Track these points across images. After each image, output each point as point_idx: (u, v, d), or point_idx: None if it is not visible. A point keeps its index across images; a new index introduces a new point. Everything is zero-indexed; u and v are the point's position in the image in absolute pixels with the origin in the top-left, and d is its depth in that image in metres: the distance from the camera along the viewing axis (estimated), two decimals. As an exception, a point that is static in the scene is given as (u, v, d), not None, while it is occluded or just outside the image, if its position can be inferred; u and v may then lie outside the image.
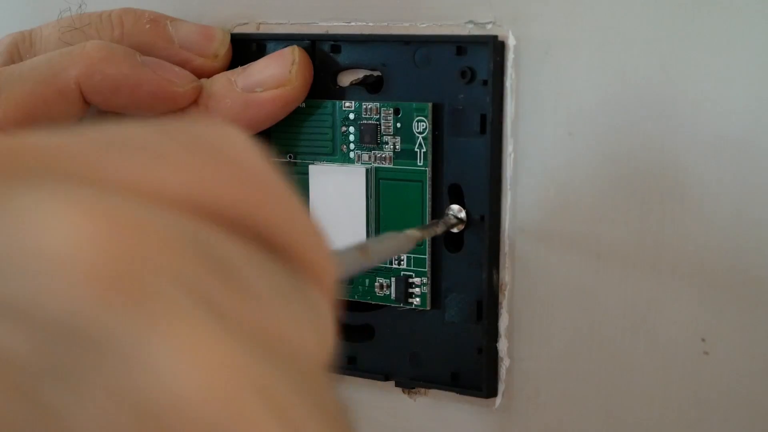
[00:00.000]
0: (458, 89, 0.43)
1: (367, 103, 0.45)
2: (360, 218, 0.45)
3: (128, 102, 0.43)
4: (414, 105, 0.44)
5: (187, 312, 0.15)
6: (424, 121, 0.44)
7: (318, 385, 0.17)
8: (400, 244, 0.40)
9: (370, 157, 0.45)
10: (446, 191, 0.44)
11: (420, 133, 0.44)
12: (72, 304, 0.15)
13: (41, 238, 0.15)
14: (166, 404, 0.15)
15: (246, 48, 0.47)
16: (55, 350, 0.14)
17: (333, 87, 0.46)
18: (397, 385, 0.46)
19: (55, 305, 0.15)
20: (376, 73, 0.45)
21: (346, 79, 0.46)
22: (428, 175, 0.44)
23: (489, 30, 0.43)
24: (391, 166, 0.45)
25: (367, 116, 0.45)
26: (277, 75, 0.44)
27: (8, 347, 0.14)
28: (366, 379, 0.47)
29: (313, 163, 0.46)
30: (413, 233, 0.41)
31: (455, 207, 0.44)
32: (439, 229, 0.43)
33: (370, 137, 0.45)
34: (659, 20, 0.40)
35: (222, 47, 0.46)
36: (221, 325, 0.16)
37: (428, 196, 0.44)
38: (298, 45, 0.46)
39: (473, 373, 0.44)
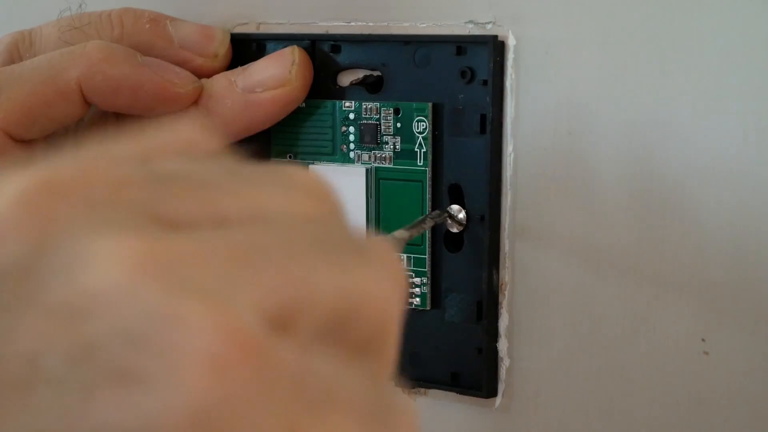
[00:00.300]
0: (458, 89, 0.43)
1: (367, 103, 0.45)
2: (360, 218, 0.45)
3: (129, 102, 0.43)
4: (414, 105, 0.44)
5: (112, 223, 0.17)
6: (424, 121, 0.44)
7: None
8: None
9: (370, 157, 0.45)
10: (446, 191, 0.44)
11: (420, 133, 0.44)
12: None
13: None
14: (83, 301, 0.16)
15: (246, 48, 0.47)
16: None
17: (333, 87, 0.46)
18: (397, 385, 0.46)
19: None
20: (376, 73, 0.45)
21: (346, 79, 0.46)
22: (428, 175, 0.44)
23: (489, 30, 0.43)
24: (391, 166, 0.45)
25: (367, 116, 0.45)
26: (277, 75, 0.44)
27: None
28: (366, 379, 0.47)
29: (313, 163, 0.46)
30: (401, 234, 0.41)
31: (455, 207, 0.44)
32: (427, 225, 0.43)
33: (370, 137, 0.45)
34: (659, 20, 0.40)
35: (222, 47, 0.46)
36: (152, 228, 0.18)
37: (428, 196, 0.44)
38: (298, 45, 0.46)
39: (473, 373, 0.44)
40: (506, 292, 0.44)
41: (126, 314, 0.16)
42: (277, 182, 0.21)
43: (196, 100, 0.44)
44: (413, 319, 0.45)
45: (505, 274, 0.44)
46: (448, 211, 0.44)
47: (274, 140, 0.47)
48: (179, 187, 0.19)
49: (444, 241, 0.44)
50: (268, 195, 0.20)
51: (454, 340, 0.45)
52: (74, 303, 0.16)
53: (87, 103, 0.43)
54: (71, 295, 0.16)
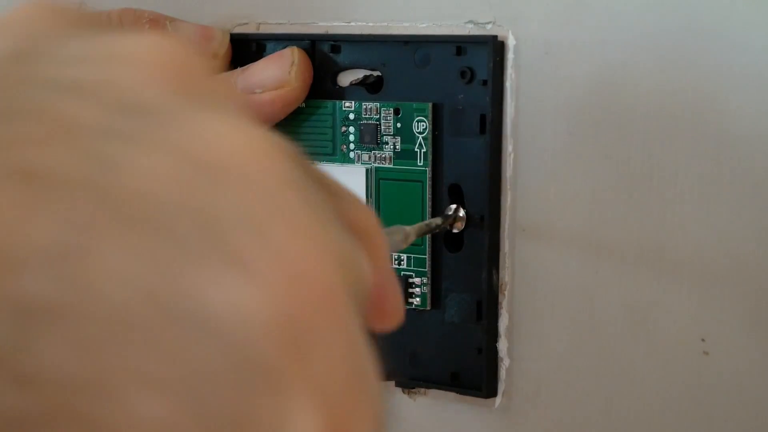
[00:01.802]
0: (458, 89, 0.43)
1: (367, 103, 0.45)
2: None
3: None
4: (414, 105, 0.44)
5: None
6: (424, 121, 0.44)
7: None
8: (397, 242, 0.40)
9: (370, 157, 0.45)
10: (446, 191, 0.44)
11: (420, 133, 0.44)
12: (139, 88, 0.17)
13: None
14: (212, 159, 0.17)
15: (246, 48, 0.47)
16: (120, 118, 0.17)
17: (333, 87, 0.46)
18: (397, 385, 0.46)
19: (125, 88, 0.17)
20: (376, 73, 0.45)
21: (346, 79, 0.46)
22: (428, 175, 0.44)
23: (489, 30, 0.43)
24: (391, 166, 0.45)
25: (367, 116, 0.45)
26: (276, 76, 0.45)
27: (76, 114, 0.16)
28: (366, 379, 0.47)
29: (313, 163, 0.46)
30: (412, 230, 0.41)
31: (455, 207, 0.44)
32: (434, 224, 0.43)
33: (370, 137, 0.45)
34: (658, 20, 0.40)
35: (221, 47, 0.46)
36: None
37: (428, 196, 0.44)
38: (298, 45, 0.46)
39: (473, 373, 0.44)
40: (506, 292, 0.44)
41: (252, 199, 0.17)
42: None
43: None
44: (413, 319, 0.45)
45: (505, 274, 0.44)
46: (449, 214, 0.44)
47: (274, 140, 0.47)
48: None
49: (444, 241, 0.44)
50: None
51: (454, 340, 0.45)
52: (200, 155, 0.17)
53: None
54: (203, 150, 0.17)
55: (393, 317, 0.23)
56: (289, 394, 0.16)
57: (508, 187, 0.43)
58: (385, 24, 0.45)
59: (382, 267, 0.22)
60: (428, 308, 0.45)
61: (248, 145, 0.17)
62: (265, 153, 0.17)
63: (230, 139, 0.17)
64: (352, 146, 0.46)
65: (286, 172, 0.18)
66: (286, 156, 0.18)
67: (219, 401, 0.16)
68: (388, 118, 0.45)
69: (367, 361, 0.18)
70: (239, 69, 0.45)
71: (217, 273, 0.16)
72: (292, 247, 0.17)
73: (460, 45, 0.43)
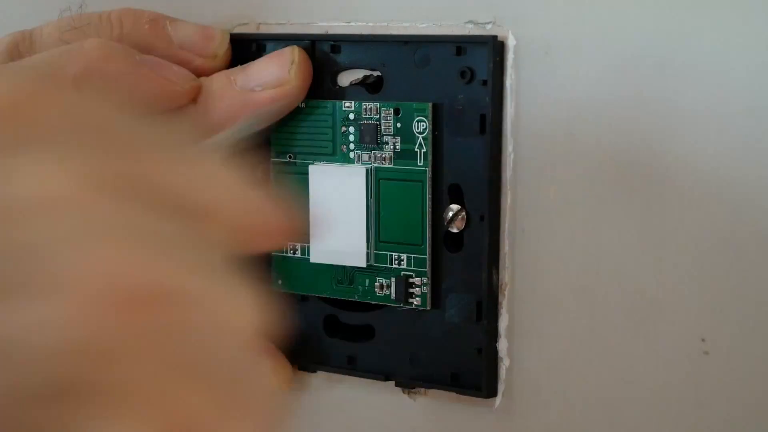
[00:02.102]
0: (458, 89, 0.43)
1: (367, 103, 0.45)
2: (360, 218, 0.45)
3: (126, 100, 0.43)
4: (414, 105, 0.44)
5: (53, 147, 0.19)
6: (424, 121, 0.44)
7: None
8: None
9: (370, 157, 0.45)
10: (446, 191, 0.44)
11: (420, 133, 0.44)
12: None
13: None
14: (21, 198, 0.17)
15: (246, 48, 0.47)
16: None
17: (333, 87, 0.46)
18: (397, 385, 0.46)
19: None
20: (375, 73, 0.45)
21: (345, 79, 0.46)
22: (428, 175, 0.44)
23: (489, 30, 0.43)
24: (391, 166, 0.45)
25: (367, 116, 0.45)
26: (276, 74, 0.45)
27: None
28: (366, 379, 0.47)
29: (313, 164, 0.46)
30: None
31: (455, 207, 0.44)
32: None
33: (370, 137, 0.45)
34: (659, 20, 0.40)
35: (221, 47, 0.46)
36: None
37: (428, 196, 0.44)
38: (298, 45, 0.46)
39: (473, 373, 0.44)
40: (506, 292, 0.44)
41: (60, 229, 0.17)
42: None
43: (194, 98, 0.45)
44: (413, 319, 0.45)
45: (505, 274, 0.44)
46: (450, 211, 0.44)
47: (273, 140, 0.47)
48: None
49: (444, 241, 0.44)
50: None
51: (454, 340, 0.44)
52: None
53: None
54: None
55: (272, 235, 0.23)
56: (95, 404, 0.17)
57: (508, 187, 0.43)
58: (385, 24, 0.45)
59: (240, 198, 0.22)
60: (428, 308, 0.45)
61: (60, 183, 0.18)
62: (77, 188, 0.18)
63: (41, 179, 0.18)
64: (352, 146, 0.46)
65: (96, 204, 0.18)
66: (99, 186, 0.18)
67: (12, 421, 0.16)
68: (388, 118, 0.45)
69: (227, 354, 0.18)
70: (239, 67, 0.46)
71: (23, 302, 0.16)
72: (98, 263, 0.17)
73: (460, 45, 0.43)
